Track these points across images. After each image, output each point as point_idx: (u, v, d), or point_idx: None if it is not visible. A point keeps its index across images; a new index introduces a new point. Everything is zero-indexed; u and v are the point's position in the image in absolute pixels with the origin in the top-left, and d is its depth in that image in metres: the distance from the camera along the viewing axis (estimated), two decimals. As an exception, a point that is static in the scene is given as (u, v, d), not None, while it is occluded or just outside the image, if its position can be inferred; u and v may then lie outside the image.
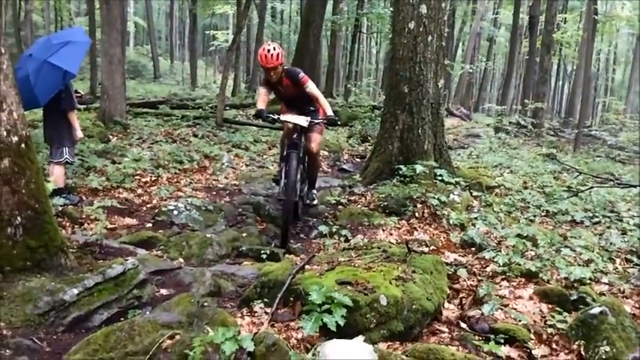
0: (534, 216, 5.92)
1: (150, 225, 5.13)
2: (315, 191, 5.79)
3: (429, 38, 6.68)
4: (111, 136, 9.30)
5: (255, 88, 26.20)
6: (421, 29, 6.61)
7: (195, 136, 10.74)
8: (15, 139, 3.18)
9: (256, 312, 2.97)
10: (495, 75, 48.03)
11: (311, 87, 5.26)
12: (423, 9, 6.58)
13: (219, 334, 2.36)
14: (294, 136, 5.28)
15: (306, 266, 3.18)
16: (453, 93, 32.22)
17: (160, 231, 4.83)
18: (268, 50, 5.06)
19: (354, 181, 7.15)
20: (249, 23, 29.40)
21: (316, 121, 5.22)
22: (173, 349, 2.54)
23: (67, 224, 4.82)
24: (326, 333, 2.43)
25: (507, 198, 6.61)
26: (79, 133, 5.64)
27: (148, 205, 5.87)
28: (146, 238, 4.50)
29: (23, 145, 3.25)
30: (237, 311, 3.06)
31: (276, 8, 36.62)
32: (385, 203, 5.81)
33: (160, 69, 34.47)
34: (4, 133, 3.12)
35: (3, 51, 3.17)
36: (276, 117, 5.25)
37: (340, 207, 6.03)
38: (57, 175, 5.40)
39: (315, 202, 5.76)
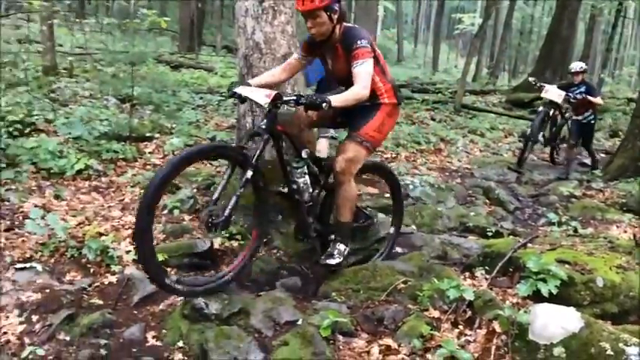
0: None
1: (387, 195, 5.85)
2: (341, 247, 3.41)
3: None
4: (358, 115, 10.37)
5: (498, 74, 25.60)
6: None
7: (433, 119, 11.31)
8: (299, 113, 4.11)
9: (477, 277, 3.41)
10: None
11: (361, 68, 3.01)
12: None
13: (444, 282, 2.88)
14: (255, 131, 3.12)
15: (529, 245, 3.49)
16: None
17: (397, 201, 5.51)
18: None
19: (594, 176, 6.93)
20: (498, 6, 28.52)
21: (285, 99, 2.94)
22: (406, 290, 3.16)
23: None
24: (539, 300, 2.76)
25: None
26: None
27: (388, 178, 6.62)
28: (385, 205, 5.20)
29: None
30: (460, 274, 3.53)
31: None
32: (624, 200, 5.61)
33: (404, 52, 35.67)
34: (294, 109, 4.05)
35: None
36: (235, 86, 3.21)
37: (574, 199, 5.99)
38: (321, 147, 6.40)
39: (336, 261, 3.35)
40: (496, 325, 2.55)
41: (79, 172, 5.00)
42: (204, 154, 3.14)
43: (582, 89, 7.44)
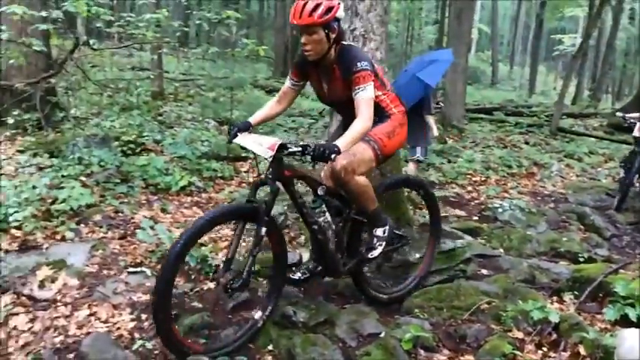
0: None
1: (476, 218, 5.82)
2: (379, 232, 3.27)
3: None
4: (447, 139, 10.33)
5: (599, 97, 24.32)
6: None
7: (527, 143, 11.02)
8: (387, 135, 4.26)
9: (565, 301, 3.37)
10: None
11: (363, 94, 2.84)
12: None
13: (529, 304, 2.89)
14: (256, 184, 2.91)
15: (621, 270, 3.40)
16: None
17: (485, 224, 5.46)
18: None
19: None
20: (601, 27, 27.23)
21: (290, 150, 2.72)
22: (489, 311, 3.18)
23: (410, 207, 5.89)
24: (627, 326, 2.70)
25: None
26: (435, 132, 6.69)
27: (476, 201, 6.57)
28: (472, 228, 5.19)
29: (392, 140, 4.30)
30: (548, 298, 3.49)
31: (635, 9, 32.81)
32: None
33: (498, 74, 34.84)
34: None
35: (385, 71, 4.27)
36: (235, 131, 3.01)
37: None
38: (409, 170, 6.53)
39: (378, 250, 3.24)
40: (581, 348, 2.54)
41: (183, 188, 5.44)
42: (217, 221, 2.82)
43: None
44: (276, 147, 2.67)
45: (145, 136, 6.81)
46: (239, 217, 2.81)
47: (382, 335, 2.97)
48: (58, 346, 2.82)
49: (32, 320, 3.03)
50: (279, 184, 2.84)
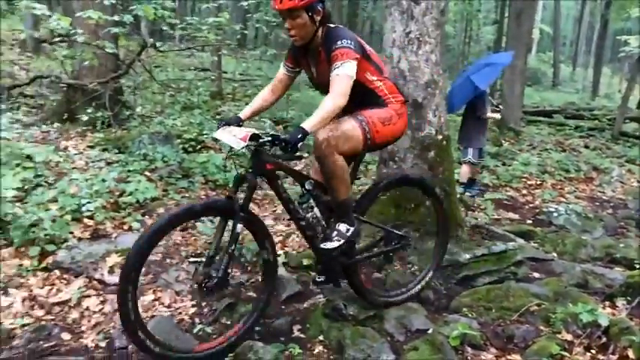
0: None
1: (529, 221, 5.76)
2: (342, 227, 2.94)
3: None
4: (503, 141, 10.18)
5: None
6: None
7: (587, 147, 10.72)
8: (440, 137, 4.31)
9: (617, 306, 3.34)
10: None
11: (339, 70, 2.62)
12: None
13: (579, 306, 2.90)
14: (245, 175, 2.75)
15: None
16: None
17: (539, 228, 5.41)
18: None
19: None
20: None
21: (261, 141, 2.60)
22: (539, 312, 3.20)
23: (462, 209, 5.90)
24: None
25: None
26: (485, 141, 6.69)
27: (530, 205, 6.49)
28: (525, 231, 5.16)
29: (444, 142, 4.36)
30: (600, 303, 3.46)
31: None
32: None
33: (560, 76, 33.76)
34: (434, 131, 4.27)
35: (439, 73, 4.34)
36: (222, 124, 2.91)
37: None
38: (462, 172, 6.53)
39: (333, 244, 2.89)
40: (630, 352, 2.54)
41: (240, 185, 5.66)
42: (185, 217, 2.74)
43: None
44: (248, 137, 2.54)
45: (205, 134, 7.10)
46: (211, 213, 2.70)
47: (430, 331, 3.05)
48: (126, 326, 3.06)
49: (102, 302, 3.29)
50: (262, 178, 2.75)
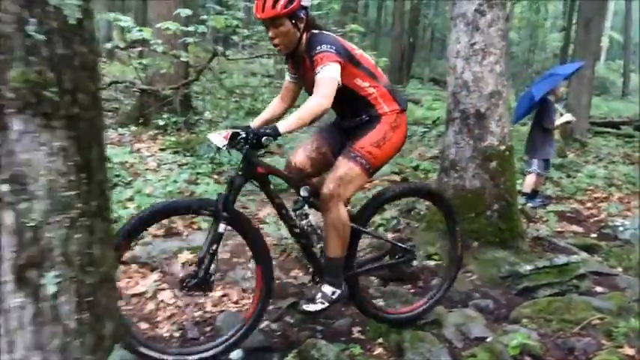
0: None
1: (594, 235, 5.64)
2: (327, 289, 2.88)
3: None
4: (568, 152, 9.93)
5: None
6: None
7: (657, 160, 10.29)
8: (502, 147, 4.33)
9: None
10: None
11: (321, 74, 2.57)
12: None
13: (642, 322, 2.87)
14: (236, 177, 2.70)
15: None
16: None
17: (603, 242, 5.30)
18: None
19: None
20: None
21: (238, 138, 2.52)
22: (601, 326, 3.18)
23: (523, 220, 5.84)
24: None
25: None
26: (552, 152, 6.61)
27: (595, 218, 6.34)
28: (589, 244, 5.06)
29: (507, 152, 4.37)
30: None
31: None
32: None
33: (630, 86, 32.34)
34: (496, 142, 4.29)
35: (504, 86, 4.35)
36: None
37: None
38: (526, 182, 6.45)
39: (316, 307, 2.85)
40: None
41: (301, 189, 5.84)
42: (163, 214, 2.73)
43: None
44: (229, 135, 2.53)
45: (268, 139, 7.33)
46: (191, 211, 2.73)
47: (489, 340, 3.09)
48: (198, 319, 3.27)
49: (176, 296, 3.51)
50: (252, 182, 2.73)
